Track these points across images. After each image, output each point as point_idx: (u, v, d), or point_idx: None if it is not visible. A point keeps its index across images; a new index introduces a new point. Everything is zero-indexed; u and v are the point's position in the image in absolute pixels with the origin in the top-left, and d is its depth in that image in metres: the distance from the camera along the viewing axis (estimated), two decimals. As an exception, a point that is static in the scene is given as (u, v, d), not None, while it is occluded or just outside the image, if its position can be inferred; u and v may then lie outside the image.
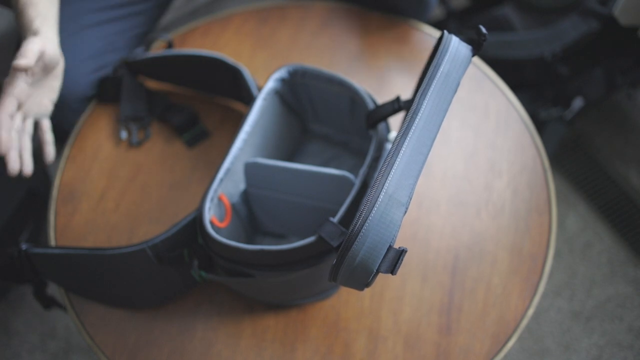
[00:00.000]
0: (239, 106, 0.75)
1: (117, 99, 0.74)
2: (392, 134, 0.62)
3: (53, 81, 0.63)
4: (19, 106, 0.60)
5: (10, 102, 0.58)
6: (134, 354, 0.59)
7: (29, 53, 0.57)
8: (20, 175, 0.60)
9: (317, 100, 0.66)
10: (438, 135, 0.71)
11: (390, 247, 0.38)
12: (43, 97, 0.63)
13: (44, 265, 0.60)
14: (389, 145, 0.60)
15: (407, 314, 0.61)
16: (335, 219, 0.49)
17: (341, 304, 0.61)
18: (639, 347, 1.06)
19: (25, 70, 0.57)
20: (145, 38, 0.85)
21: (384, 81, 0.77)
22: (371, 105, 0.60)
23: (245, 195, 0.62)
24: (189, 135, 0.72)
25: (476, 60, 0.80)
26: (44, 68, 0.60)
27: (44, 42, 0.59)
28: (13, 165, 0.59)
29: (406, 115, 0.42)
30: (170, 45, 0.76)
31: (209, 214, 0.54)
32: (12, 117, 0.59)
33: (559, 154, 1.26)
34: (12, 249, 0.58)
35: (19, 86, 0.58)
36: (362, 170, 0.54)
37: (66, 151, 0.72)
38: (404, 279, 0.63)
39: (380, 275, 0.62)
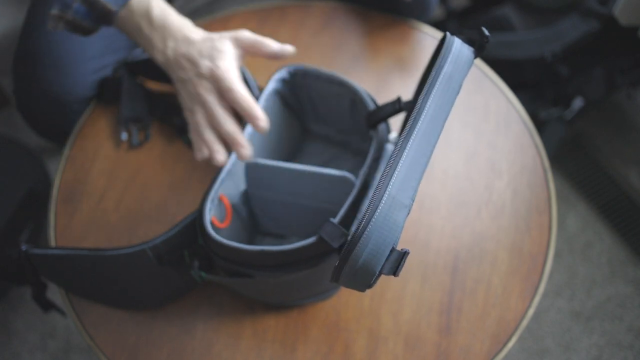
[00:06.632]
0: (239, 106, 0.75)
1: (117, 100, 0.74)
2: (393, 135, 0.62)
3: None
4: None
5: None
6: (134, 354, 0.59)
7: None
8: (20, 175, 0.60)
9: (317, 100, 0.66)
10: (438, 136, 0.71)
11: (393, 249, 0.38)
12: None
13: (44, 266, 0.59)
14: (389, 146, 0.60)
15: (407, 314, 0.61)
16: (336, 220, 0.49)
17: (341, 305, 0.61)
18: (639, 347, 1.06)
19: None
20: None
21: (384, 81, 0.77)
22: (371, 106, 0.60)
23: (246, 196, 0.62)
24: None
25: (476, 60, 0.80)
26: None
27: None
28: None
29: (409, 117, 0.42)
30: (170, 45, 0.75)
31: (210, 215, 0.54)
32: None
33: (559, 154, 1.26)
34: (12, 250, 0.58)
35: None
36: (363, 171, 0.54)
37: (66, 151, 0.72)
38: (404, 279, 0.63)
39: (381, 276, 0.62)
